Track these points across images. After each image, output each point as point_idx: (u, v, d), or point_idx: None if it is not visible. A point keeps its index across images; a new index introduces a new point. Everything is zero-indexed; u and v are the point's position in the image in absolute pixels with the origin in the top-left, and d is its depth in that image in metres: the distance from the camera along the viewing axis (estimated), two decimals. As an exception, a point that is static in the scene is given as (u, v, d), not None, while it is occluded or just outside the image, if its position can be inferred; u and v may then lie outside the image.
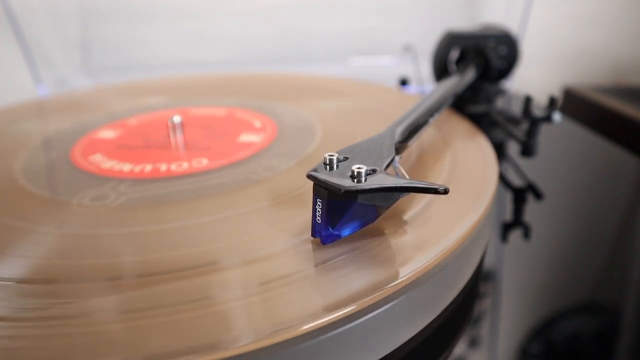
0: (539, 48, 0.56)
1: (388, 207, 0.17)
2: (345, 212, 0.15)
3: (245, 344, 0.12)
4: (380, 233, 0.17)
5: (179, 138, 0.26)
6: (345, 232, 0.16)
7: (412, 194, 0.19)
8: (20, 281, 0.15)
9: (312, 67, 0.53)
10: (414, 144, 0.24)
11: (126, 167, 0.24)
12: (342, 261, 0.15)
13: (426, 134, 0.26)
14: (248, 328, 0.13)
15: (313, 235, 0.16)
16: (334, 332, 0.14)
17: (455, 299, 0.18)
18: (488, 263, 0.21)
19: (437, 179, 0.21)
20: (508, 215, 0.25)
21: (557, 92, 0.54)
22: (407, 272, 0.15)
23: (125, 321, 0.13)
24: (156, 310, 0.13)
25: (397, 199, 0.17)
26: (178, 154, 0.25)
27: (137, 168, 0.23)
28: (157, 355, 0.12)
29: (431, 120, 0.24)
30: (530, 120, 0.28)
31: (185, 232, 0.18)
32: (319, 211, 0.15)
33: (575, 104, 0.47)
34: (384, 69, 0.54)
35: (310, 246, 0.16)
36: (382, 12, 0.53)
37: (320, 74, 0.42)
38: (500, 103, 0.39)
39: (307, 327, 0.13)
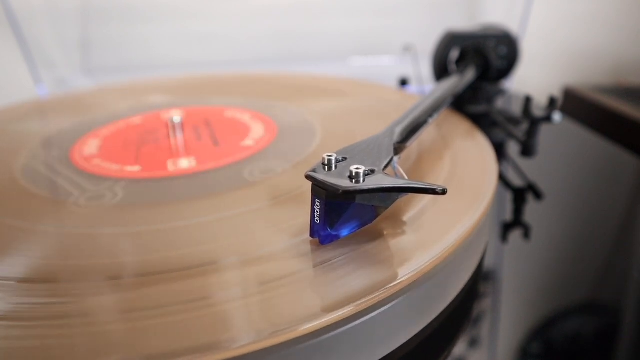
0: (539, 48, 0.56)
1: (387, 208, 0.17)
2: (344, 212, 0.15)
3: (245, 345, 0.12)
4: (379, 233, 0.17)
5: (178, 138, 0.26)
6: (344, 232, 0.16)
7: (411, 194, 0.19)
8: (21, 281, 0.15)
9: (312, 67, 0.53)
10: (413, 144, 0.24)
11: (126, 166, 0.24)
12: (341, 262, 0.15)
13: (426, 134, 0.26)
14: (247, 328, 0.13)
15: (312, 235, 0.16)
16: (333, 333, 0.14)
17: (455, 299, 0.18)
18: (488, 263, 0.21)
19: (436, 179, 0.21)
20: (508, 215, 0.25)
21: (557, 92, 0.54)
22: (406, 272, 0.15)
23: (125, 321, 0.13)
24: (156, 310, 0.13)
25: (395, 200, 0.17)
26: (178, 153, 0.25)
27: (137, 168, 0.23)
28: (157, 355, 0.12)
29: (430, 120, 0.24)
30: (530, 120, 0.28)
31: (185, 232, 0.18)
32: (317, 211, 0.15)
33: (575, 104, 0.46)
34: (384, 69, 0.54)
35: (309, 246, 0.16)
36: (382, 12, 0.53)
37: (320, 74, 0.42)
38: (500, 103, 0.39)
39: (306, 327, 0.13)
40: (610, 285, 0.21)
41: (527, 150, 0.29)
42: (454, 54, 0.36)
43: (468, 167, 0.23)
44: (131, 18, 0.49)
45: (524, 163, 0.31)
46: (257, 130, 0.28)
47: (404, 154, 0.23)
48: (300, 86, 0.39)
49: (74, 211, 0.20)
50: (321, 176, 0.15)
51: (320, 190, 0.15)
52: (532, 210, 0.26)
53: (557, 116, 0.27)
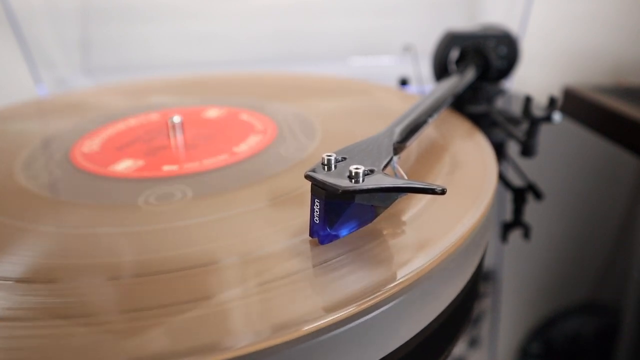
0: (539, 48, 0.56)
1: (386, 207, 0.17)
2: (343, 212, 0.15)
3: (245, 345, 0.12)
4: (379, 233, 0.17)
5: (178, 138, 0.26)
6: (343, 232, 0.16)
7: (411, 194, 0.19)
8: (20, 281, 0.15)
9: (312, 67, 0.53)
10: (413, 144, 0.24)
11: (126, 167, 0.24)
12: (341, 262, 0.15)
13: (426, 134, 0.26)
14: (247, 329, 0.13)
15: (311, 235, 0.16)
16: (333, 333, 0.14)
17: (455, 299, 0.18)
18: (488, 263, 0.21)
19: (436, 179, 0.21)
20: (508, 215, 0.25)
21: (557, 92, 0.54)
22: (406, 272, 0.15)
23: (125, 321, 0.13)
24: (156, 310, 0.13)
25: (395, 199, 0.17)
26: (178, 153, 0.25)
27: (136, 168, 0.23)
28: (157, 355, 0.12)
29: (430, 120, 0.24)
30: (530, 120, 0.28)
31: (185, 232, 0.18)
32: (316, 211, 0.15)
33: (575, 104, 0.46)
34: (384, 69, 0.54)
35: (308, 246, 0.16)
36: (382, 12, 0.53)
37: (320, 74, 0.42)
38: (500, 103, 0.39)
39: (306, 327, 0.13)
40: (610, 285, 0.21)
41: (527, 150, 0.29)
42: (454, 54, 0.36)
43: (468, 167, 0.23)
44: (131, 18, 0.49)
45: (524, 163, 0.31)
46: (257, 131, 0.28)
47: (403, 154, 0.23)
48: (300, 86, 0.39)
49: (74, 211, 0.20)
50: (320, 176, 0.15)
51: (320, 190, 0.15)
52: (532, 210, 0.26)
53: (557, 116, 0.27)
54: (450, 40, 0.36)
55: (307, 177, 0.15)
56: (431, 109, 0.24)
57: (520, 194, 0.27)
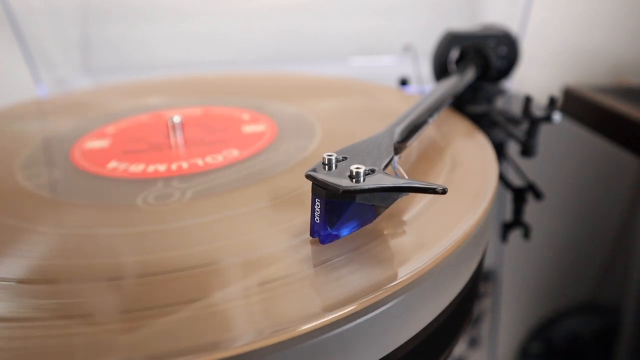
0: (539, 48, 0.56)
1: (387, 207, 0.17)
2: (344, 212, 0.15)
3: (245, 344, 0.12)
4: (379, 233, 0.17)
5: (178, 138, 0.26)
6: (344, 232, 0.16)
7: (411, 193, 0.19)
8: (21, 281, 0.15)
9: (312, 67, 0.53)
10: (414, 144, 0.24)
11: (125, 167, 0.24)
12: (342, 261, 0.15)
13: (426, 134, 0.26)
14: (248, 328, 0.13)
15: (312, 235, 0.16)
16: (333, 333, 0.14)
17: (455, 299, 0.18)
18: (488, 263, 0.21)
19: (436, 179, 0.21)
20: (508, 215, 0.25)
21: (557, 92, 0.54)
22: (406, 272, 0.15)
23: (125, 321, 0.13)
24: (156, 310, 0.13)
25: (395, 199, 0.17)
26: (178, 154, 0.25)
27: (136, 168, 0.23)
28: (157, 355, 0.12)
29: (430, 120, 0.24)
30: (530, 120, 0.28)
31: (185, 232, 0.18)
32: (317, 211, 0.15)
33: (575, 104, 0.47)
34: (384, 69, 0.54)
35: (309, 246, 0.16)
36: (382, 12, 0.53)
37: (320, 74, 0.42)
38: (500, 103, 0.39)
39: (306, 327, 0.13)
40: (610, 285, 0.21)
41: (527, 150, 0.29)
42: (454, 54, 0.36)
43: (468, 167, 0.23)
44: (131, 18, 0.49)
45: (524, 163, 0.31)
46: (257, 131, 0.28)
47: (404, 154, 0.23)
48: (300, 86, 0.39)
49: (74, 211, 0.20)
50: (321, 176, 0.15)
51: (321, 189, 0.15)
52: (532, 210, 0.26)
53: (557, 116, 0.27)
54: (450, 40, 0.36)
55: (308, 176, 0.15)
56: (431, 109, 0.24)
57: (520, 194, 0.27)
